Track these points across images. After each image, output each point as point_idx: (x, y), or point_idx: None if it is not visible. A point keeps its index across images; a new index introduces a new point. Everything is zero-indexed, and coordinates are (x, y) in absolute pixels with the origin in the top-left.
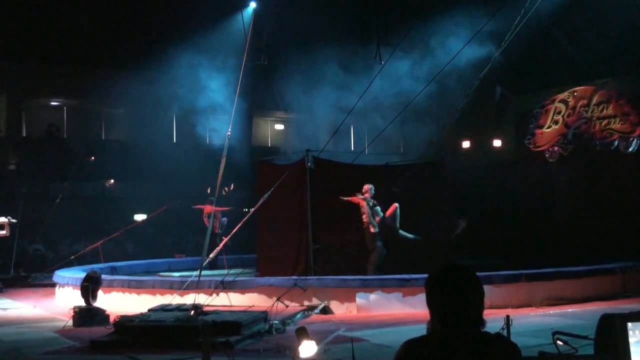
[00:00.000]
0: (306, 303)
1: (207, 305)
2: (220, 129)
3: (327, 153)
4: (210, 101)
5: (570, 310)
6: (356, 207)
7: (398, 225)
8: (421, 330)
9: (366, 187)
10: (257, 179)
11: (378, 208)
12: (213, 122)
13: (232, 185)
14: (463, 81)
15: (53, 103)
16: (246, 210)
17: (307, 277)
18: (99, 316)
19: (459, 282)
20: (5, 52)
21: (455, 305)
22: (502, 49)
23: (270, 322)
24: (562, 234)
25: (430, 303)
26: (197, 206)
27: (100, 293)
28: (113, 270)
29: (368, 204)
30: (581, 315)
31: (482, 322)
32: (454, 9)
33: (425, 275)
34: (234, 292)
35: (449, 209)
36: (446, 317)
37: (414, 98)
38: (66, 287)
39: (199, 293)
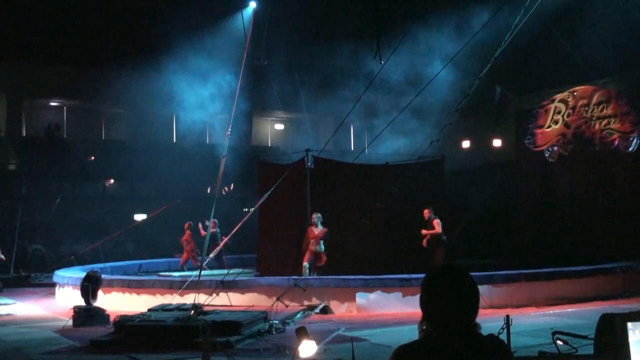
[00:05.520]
0: (306, 303)
1: (207, 305)
2: (220, 128)
3: (327, 153)
4: (210, 101)
5: (570, 310)
6: (357, 207)
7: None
8: None
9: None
10: (257, 179)
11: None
12: (213, 122)
13: (232, 185)
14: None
15: (53, 103)
16: (246, 210)
17: (307, 277)
18: (99, 316)
19: (457, 284)
20: (5, 52)
21: (451, 308)
22: (502, 49)
23: (270, 322)
24: (562, 234)
25: (425, 305)
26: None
27: (100, 293)
28: (114, 270)
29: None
30: (581, 315)
31: (477, 325)
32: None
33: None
34: (234, 292)
35: (449, 208)
36: (442, 320)
37: (413, 99)
38: (66, 287)
39: (199, 293)
